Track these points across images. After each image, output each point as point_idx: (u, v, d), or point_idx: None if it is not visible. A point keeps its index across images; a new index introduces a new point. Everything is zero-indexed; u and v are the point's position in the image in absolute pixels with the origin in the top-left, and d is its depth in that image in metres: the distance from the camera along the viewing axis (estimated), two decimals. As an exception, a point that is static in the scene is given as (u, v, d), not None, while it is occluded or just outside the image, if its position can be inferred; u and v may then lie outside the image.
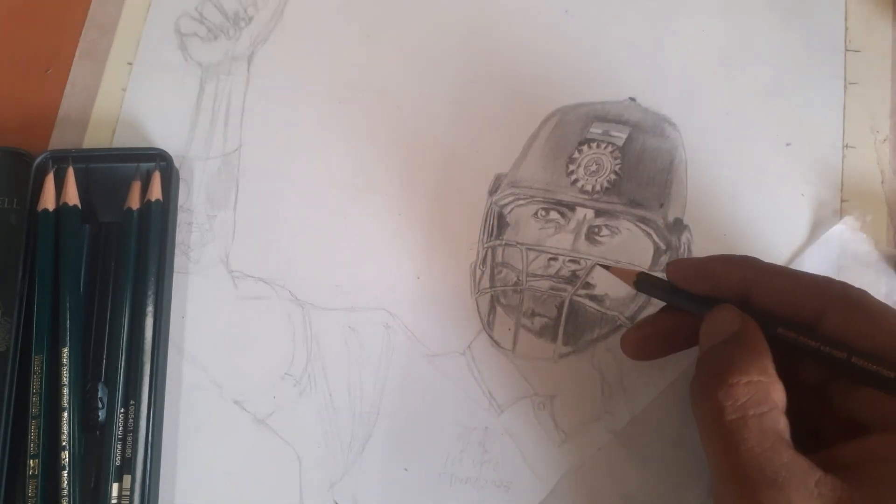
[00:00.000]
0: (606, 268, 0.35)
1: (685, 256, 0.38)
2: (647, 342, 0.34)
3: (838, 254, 0.37)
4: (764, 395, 0.27)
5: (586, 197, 0.39)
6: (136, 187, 0.39)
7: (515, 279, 0.38)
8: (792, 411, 0.28)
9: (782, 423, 0.27)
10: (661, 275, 0.33)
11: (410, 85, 0.42)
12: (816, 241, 0.37)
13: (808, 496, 0.25)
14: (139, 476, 0.35)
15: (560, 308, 0.37)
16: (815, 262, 0.37)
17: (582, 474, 0.35)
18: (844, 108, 0.40)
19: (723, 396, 0.27)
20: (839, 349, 0.28)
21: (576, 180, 0.39)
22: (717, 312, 0.30)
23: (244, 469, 0.36)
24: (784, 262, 0.37)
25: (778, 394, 0.27)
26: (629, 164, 0.39)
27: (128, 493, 0.34)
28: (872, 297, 0.28)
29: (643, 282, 0.33)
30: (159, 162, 0.39)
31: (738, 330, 0.29)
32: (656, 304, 0.37)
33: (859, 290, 0.29)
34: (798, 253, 0.37)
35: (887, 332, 0.27)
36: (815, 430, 0.30)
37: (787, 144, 0.39)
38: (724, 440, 0.27)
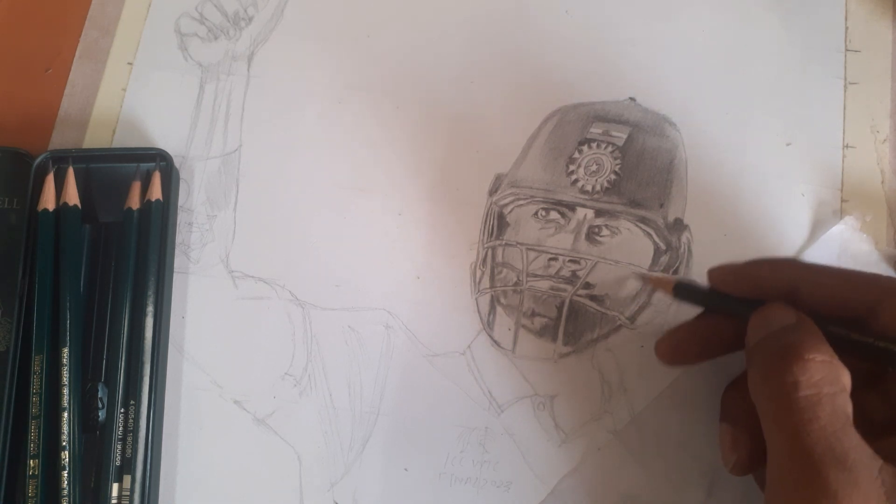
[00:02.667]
0: (644, 276, 0.35)
1: (686, 257, 0.38)
2: (683, 346, 0.33)
3: (838, 254, 0.37)
4: (836, 376, 0.27)
5: (586, 197, 0.39)
6: (136, 187, 0.39)
7: (515, 279, 0.38)
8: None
9: (850, 408, 0.27)
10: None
11: (410, 85, 0.42)
12: (817, 242, 0.37)
13: (872, 481, 0.25)
14: (139, 476, 0.35)
15: (560, 308, 0.37)
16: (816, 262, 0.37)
17: (582, 474, 0.35)
18: (844, 108, 0.40)
19: (798, 370, 0.27)
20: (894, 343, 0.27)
21: (576, 180, 0.39)
22: (769, 309, 0.30)
23: (244, 469, 0.36)
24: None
25: (846, 377, 0.27)
26: (629, 164, 0.39)
27: (128, 493, 0.34)
28: None
29: (682, 289, 0.33)
30: (159, 162, 0.39)
31: (795, 321, 0.29)
32: (656, 306, 0.37)
33: None
34: (798, 253, 0.37)
35: None
36: (868, 422, 0.29)
37: (787, 144, 0.39)
38: (796, 416, 0.26)
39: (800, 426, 0.26)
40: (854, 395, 0.28)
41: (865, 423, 0.28)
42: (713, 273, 0.32)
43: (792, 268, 0.31)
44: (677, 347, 0.33)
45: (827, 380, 0.27)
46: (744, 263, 0.32)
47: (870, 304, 0.28)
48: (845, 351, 0.28)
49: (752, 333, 0.30)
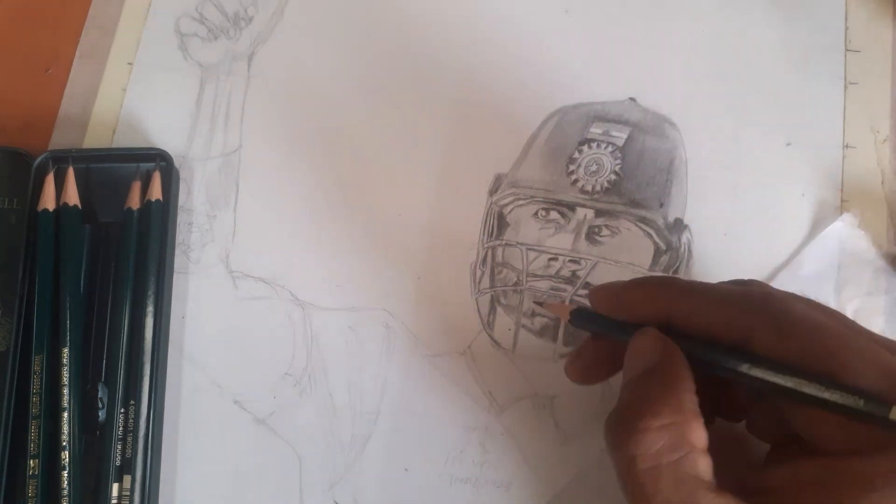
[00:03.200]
0: (540, 304, 0.35)
1: (686, 257, 0.38)
2: (590, 370, 0.32)
3: (838, 251, 0.37)
4: (679, 439, 0.25)
5: (586, 197, 0.39)
6: (137, 187, 0.39)
7: (515, 279, 0.38)
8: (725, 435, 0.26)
9: (702, 466, 0.25)
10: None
11: (410, 85, 0.42)
12: (815, 239, 0.37)
13: None
14: (139, 476, 0.35)
15: (560, 308, 0.37)
16: (815, 260, 0.37)
17: (586, 477, 0.35)
18: (844, 108, 0.40)
19: (634, 445, 0.25)
20: (764, 371, 0.25)
21: (576, 180, 0.39)
22: (638, 338, 0.28)
23: (244, 469, 0.36)
24: (783, 261, 0.37)
25: (696, 433, 0.25)
26: (629, 164, 0.39)
27: (128, 493, 0.34)
28: (798, 305, 0.27)
29: (577, 317, 0.32)
30: (159, 162, 0.39)
31: (657, 361, 0.27)
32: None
33: (782, 300, 0.27)
34: (797, 252, 0.37)
35: (817, 349, 0.25)
36: (772, 441, 0.28)
37: (787, 144, 0.39)
38: (638, 491, 0.25)
39: (643, 499, 0.25)
40: (757, 414, 0.27)
41: (745, 458, 0.27)
42: (592, 295, 0.31)
43: (666, 292, 0.29)
44: (587, 370, 0.32)
45: (667, 447, 0.25)
46: (621, 286, 0.30)
47: (743, 329, 0.26)
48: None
49: (625, 370, 0.29)
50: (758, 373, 0.25)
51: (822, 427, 0.25)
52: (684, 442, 0.25)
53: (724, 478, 0.25)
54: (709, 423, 0.26)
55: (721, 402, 0.30)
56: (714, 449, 0.26)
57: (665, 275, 0.30)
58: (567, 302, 0.37)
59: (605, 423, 0.28)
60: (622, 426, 0.26)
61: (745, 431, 0.30)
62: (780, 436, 0.28)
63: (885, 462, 0.23)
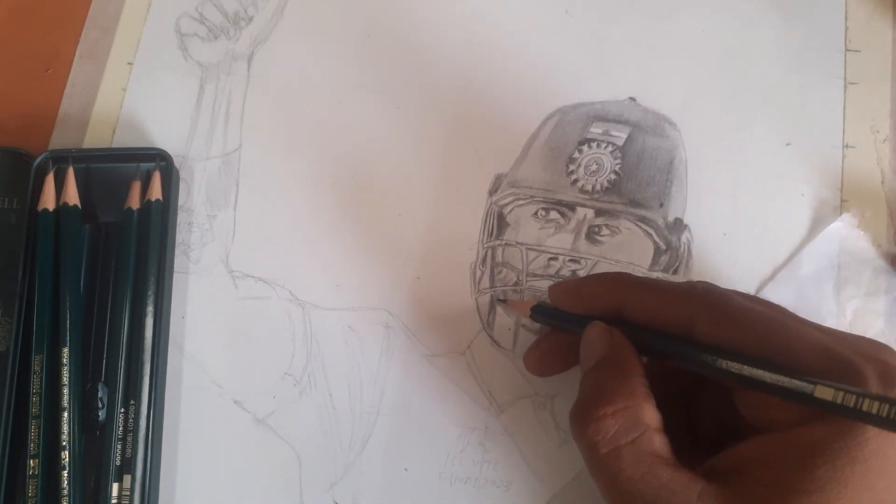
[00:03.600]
0: (502, 301, 0.36)
1: (686, 256, 0.38)
2: (545, 360, 0.34)
3: (837, 251, 0.37)
4: (634, 420, 0.27)
5: (586, 197, 0.39)
6: (136, 187, 0.39)
7: (515, 279, 0.38)
8: (681, 420, 0.28)
9: (658, 443, 0.27)
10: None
11: (410, 85, 0.42)
12: (815, 239, 0.37)
13: None
14: (139, 476, 0.35)
15: (560, 308, 0.37)
16: (814, 261, 0.37)
17: (586, 477, 0.35)
18: (844, 108, 0.40)
19: (592, 432, 0.27)
20: (706, 356, 0.27)
21: (576, 180, 0.39)
22: (588, 331, 0.30)
23: (244, 469, 0.36)
24: (783, 261, 0.37)
25: (649, 414, 0.27)
26: (629, 163, 0.39)
27: (128, 493, 0.34)
28: (737, 297, 0.28)
29: (537, 312, 0.34)
30: (159, 162, 0.39)
31: (606, 353, 0.29)
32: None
33: (721, 293, 0.28)
34: (797, 252, 0.37)
35: (751, 334, 0.26)
36: (717, 434, 0.29)
37: (787, 144, 0.39)
38: (603, 474, 0.27)
39: (610, 480, 0.27)
40: (683, 412, 0.29)
41: (695, 443, 0.28)
42: (551, 291, 0.33)
43: (619, 285, 0.31)
44: (542, 361, 0.34)
45: (623, 429, 0.27)
46: (578, 281, 0.32)
47: (685, 319, 0.28)
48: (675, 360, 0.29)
49: (581, 362, 0.31)
50: (699, 357, 0.27)
51: (764, 407, 0.26)
52: (639, 423, 0.27)
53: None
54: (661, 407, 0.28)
55: (671, 390, 0.31)
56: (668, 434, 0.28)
57: (619, 271, 0.33)
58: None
59: (568, 416, 0.29)
60: (581, 417, 0.28)
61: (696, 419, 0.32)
62: (729, 420, 0.29)
63: (823, 427, 0.24)
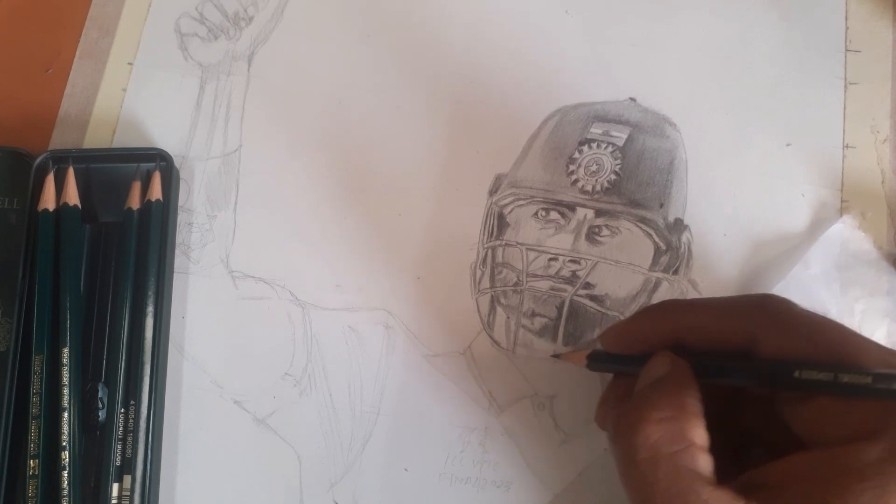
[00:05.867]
0: (556, 356, 0.35)
1: (686, 257, 0.38)
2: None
3: (839, 252, 0.37)
4: (678, 433, 0.26)
5: (586, 197, 0.39)
6: (137, 187, 0.39)
7: (515, 279, 0.38)
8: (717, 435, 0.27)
9: (701, 462, 0.26)
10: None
11: (410, 85, 0.42)
12: (817, 242, 0.37)
13: None
14: (139, 476, 0.35)
15: (560, 308, 0.37)
16: (817, 263, 0.37)
17: (586, 477, 0.35)
18: (844, 108, 0.40)
19: (633, 435, 0.26)
20: (779, 368, 0.26)
21: (576, 180, 0.39)
22: (652, 360, 0.29)
23: (244, 469, 0.36)
24: (783, 261, 0.37)
25: (695, 431, 0.26)
26: (629, 164, 0.39)
27: (128, 493, 0.34)
28: (796, 305, 0.27)
29: (594, 361, 0.33)
30: (159, 162, 0.39)
31: (665, 372, 0.28)
32: (656, 304, 0.37)
33: (780, 301, 0.28)
34: (797, 252, 0.37)
35: (822, 343, 0.26)
36: (749, 448, 0.29)
37: (787, 144, 0.39)
38: (636, 481, 0.26)
39: (644, 489, 0.26)
40: (739, 429, 0.28)
41: (727, 457, 0.27)
42: (603, 338, 0.32)
43: (671, 315, 0.30)
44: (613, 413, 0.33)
45: (666, 439, 0.26)
46: (626, 322, 0.31)
47: (746, 333, 0.27)
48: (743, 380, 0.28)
49: (638, 384, 0.29)
50: (771, 370, 0.26)
51: (816, 421, 0.26)
52: (683, 436, 0.26)
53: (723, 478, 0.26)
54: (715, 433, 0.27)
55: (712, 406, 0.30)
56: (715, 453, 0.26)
57: (665, 299, 0.32)
58: (567, 301, 0.37)
59: (609, 419, 0.28)
60: (624, 419, 0.27)
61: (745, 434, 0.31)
62: (778, 435, 0.28)
63: (874, 449, 0.23)
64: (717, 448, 0.27)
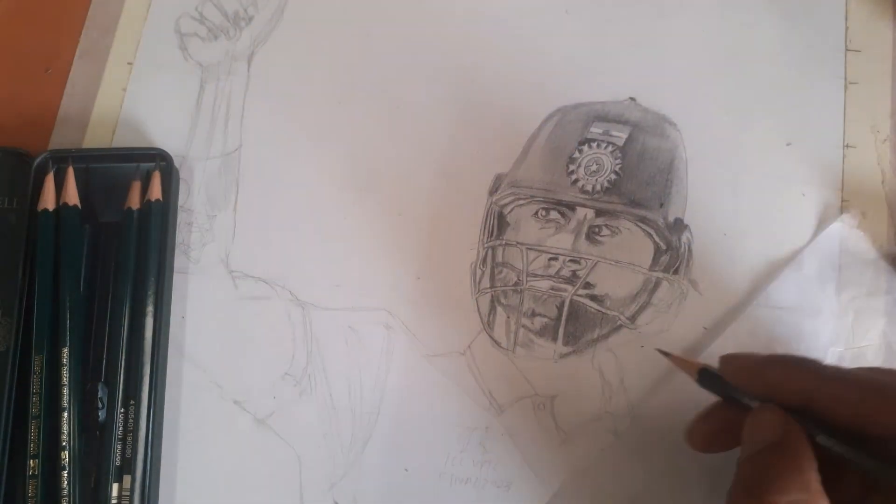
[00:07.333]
0: (667, 355, 0.33)
1: (686, 256, 0.38)
2: (716, 437, 0.31)
3: (838, 252, 0.37)
4: None
5: (586, 197, 0.39)
6: (136, 187, 0.39)
7: (515, 279, 0.38)
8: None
9: None
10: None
11: (410, 85, 0.42)
12: (815, 240, 0.37)
13: None
14: (139, 476, 0.35)
15: (560, 308, 0.37)
16: (816, 261, 0.37)
17: (586, 476, 0.35)
18: (844, 108, 0.39)
19: None
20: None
21: (576, 180, 0.39)
22: (760, 413, 0.28)
23: (244, 469, 0.36)
24: (783, 261, 0.37)
25: None
26: (629, 163, 0.39)
27: (128, 493, 0.34)
28: None
29: (705, 378, 0.31)
30: (159, 162, 0.39)
31: (780, 437, 0.27)
32: (656, 306, 0.37)
33: None
34: (797, 252, 0.37)
35: None
36: None
37: (788, 144, 0.39)
38: None
39: None
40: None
41: None
42: (726, 363, 0.30)
43: (808, 374, 0.28)
44: (711, 437, 0.32)
45: None
46: (759, 360, 0.30)
47: (883, 419, 0.26)
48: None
49: (744, 443, 0.28)
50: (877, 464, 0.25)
51: None
52: None
53: None
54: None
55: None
56: None
57: (804, 356, 0.30)
58: (567, 300, 0.37)
59: (727, 494, 0.27)
60: (748, 499, 0.26)
61: None
62: None
63: None
64: None
